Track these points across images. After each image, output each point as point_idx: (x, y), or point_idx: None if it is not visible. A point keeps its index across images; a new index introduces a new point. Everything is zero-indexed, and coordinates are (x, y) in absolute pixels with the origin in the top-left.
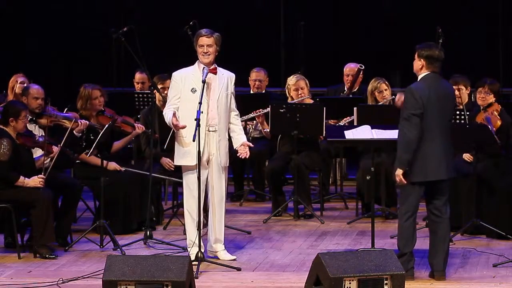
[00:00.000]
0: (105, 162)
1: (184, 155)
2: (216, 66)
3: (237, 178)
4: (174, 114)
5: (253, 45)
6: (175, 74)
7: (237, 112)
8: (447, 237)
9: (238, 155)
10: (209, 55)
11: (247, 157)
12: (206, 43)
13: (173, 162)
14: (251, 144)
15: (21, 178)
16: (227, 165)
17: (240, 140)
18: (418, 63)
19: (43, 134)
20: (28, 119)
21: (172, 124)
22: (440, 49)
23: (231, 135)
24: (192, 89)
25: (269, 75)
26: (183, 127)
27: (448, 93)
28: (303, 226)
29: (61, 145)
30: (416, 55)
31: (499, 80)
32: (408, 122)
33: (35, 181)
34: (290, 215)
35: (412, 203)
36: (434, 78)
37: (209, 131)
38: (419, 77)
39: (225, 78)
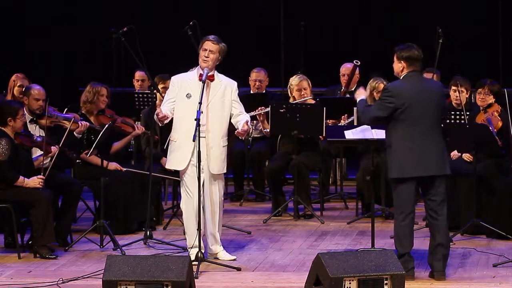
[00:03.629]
0: (105, 162)
1: (174, 159)
2: (216, 73)
3: (237, 178)
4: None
5: (253, 45)
6: (173, 78)
7: (244, 113)
8: (445, 237)
9: (236, 133)
10: (208, 60)
11: (244, 130)
12: (210, 48)
13: None
14: (249, 122)
15: (21, 178)
16: (221, 172)
17: (242, 121)
18: (398, 65)
19: (41, 134)
20: (29, 119)
21: (156, 114)
22: (417, 48)
23: (238, 125)
24: (187, 94)
25: (269, 75)
26: (163, 117)
27: (432, 90)
28: (303, 226)
29: (60, 145)
30: (395, 57)
31: (499, 80)
32: (377, 106)
33: (35, 181)
34: (290, 215)
35: (405, 202)
36: (416, 77)
37: (200, 136)
38: (401, 78)
39: (222, 85)
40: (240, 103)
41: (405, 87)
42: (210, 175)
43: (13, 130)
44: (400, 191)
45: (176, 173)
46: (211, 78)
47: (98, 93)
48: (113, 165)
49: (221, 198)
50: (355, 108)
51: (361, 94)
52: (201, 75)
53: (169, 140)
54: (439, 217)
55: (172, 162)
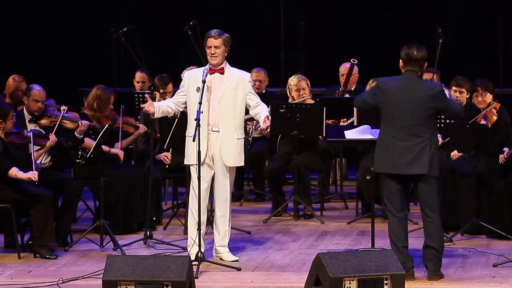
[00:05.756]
0: (106, 148)
1: (189, 155)
2: (227, 66)
3: (237, 178)
4: (148, 97)
5: (253, 45)
6: (185, 73)
7: (261, 104)
8: (438, 237)
9: (258, 129)
10: (216, 56)
11: (265, 128)
12: (214, 44)
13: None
14: (269, 116)
15: (13, 169)
16: (237, 165)
17: (262, 116)
18: (400, 62)
19: (32, 129)
20: (28, 119)
21: (141, 108)
22: (420, 49)
23: (258, 119)
24: (197, 88)
25: (269, 75)
26: (146, 110)
27: (420, 92)
28: (303, 226)
29: (53, 133)
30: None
31: (499, 80)
32: (364, 96)
33: (28, 174)
34: (290, 215)
35: (392, 198)
36: (408, 76)
37: (212, 131)
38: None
39: (234, 78)
40: (255, 94)
41: (391, 85)
42: (223, 168)
43: (3, 131)
44: (387, 186)
45: (177, 171)
46: (221, 71)
47: (108, 102)
48: (115, 151)
49: (230, 194)
50: (355, 108)
51: None
52: (211, 69)
53: (186, 136)
54: (432, 216)
55: (189, 157)
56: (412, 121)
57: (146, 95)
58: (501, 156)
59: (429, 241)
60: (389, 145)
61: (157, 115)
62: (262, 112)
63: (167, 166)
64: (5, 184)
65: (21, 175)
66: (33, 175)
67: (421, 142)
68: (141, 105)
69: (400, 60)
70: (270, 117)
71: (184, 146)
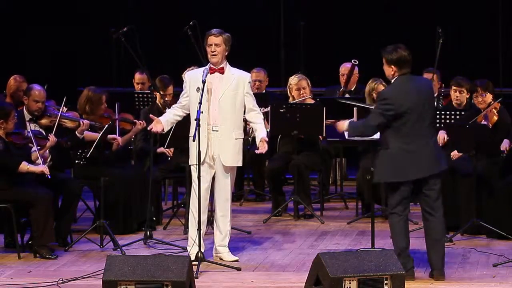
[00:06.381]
0: (109, 136)
1: (192, 155)
2: (228, 66)
3: (237, 178)
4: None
5: (253, 45)
6: (185, 74)
7: (258, 111)
8: (442, 235)
9: (256, 151)
10: (216, 54)
11: (263, 152)
12: (214, 42)
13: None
14: (266, 139)
15: (24, 163)
16: (235, 165)
17: (259, 137)
18: (389, 70)
19: (33, 129)
20: (27, 118)
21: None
22: (405, 49)
23: (253, 129)
24: (197, 88)
25: (269, 75)
26: (156, 130)
27: (425, 90)
28: (303, 226)
29: (53, 133)
30: (384, 61)
31: (499, 80)
32: (375, 115)
33: (41, 167)
34: (290, 215)
35: (403, 200)
36: (407, 79)
37: (213, 130)
38: (392, 81)
39: (234, 78)
40: (253, 96)
41: (401, 92)
42: (223, 168)
43: (4, 131)
44: (395, 192)
45: (177, 171)
46: (221, 71)
47: (100, 103)
48: (112, 136)
49: (230, 194)
50: (355, 109)
51: (343, 125)
52: (211, 69)
53: (189, 136)
54: (436, 213)
55: (193, 157)
56: (429, 122)
57: (151, 115)
58: (503, 147)
59: (436, 236)
60: (408, 151)
61: (167, 129)
62: (258, 125)
63: (169, 158)
64: (6, 184)
65: (33, 168)
66: (45, 168)
67: (431, 140)
68: (148, 127)
69: (392, 67)
70: (267, 139)
71: (184, 146)
